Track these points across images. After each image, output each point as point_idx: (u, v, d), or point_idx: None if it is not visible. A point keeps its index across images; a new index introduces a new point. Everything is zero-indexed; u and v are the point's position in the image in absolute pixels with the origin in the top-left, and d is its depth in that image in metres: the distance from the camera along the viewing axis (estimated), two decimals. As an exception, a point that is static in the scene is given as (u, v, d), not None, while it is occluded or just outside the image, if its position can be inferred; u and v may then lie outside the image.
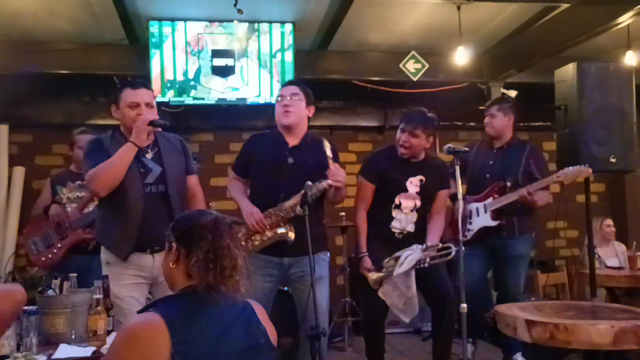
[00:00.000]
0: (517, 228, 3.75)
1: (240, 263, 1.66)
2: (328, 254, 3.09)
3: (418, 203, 3.34)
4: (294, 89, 3.01)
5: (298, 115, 2.97)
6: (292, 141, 3.00)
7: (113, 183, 2.64)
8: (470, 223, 3.78)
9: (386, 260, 3.23)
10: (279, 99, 3.02)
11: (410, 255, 3.15)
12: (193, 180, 2.93)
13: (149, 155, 2.76)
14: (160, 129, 2.76)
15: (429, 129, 3.32)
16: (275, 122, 3.05)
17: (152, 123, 2.67)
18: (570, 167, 3.45)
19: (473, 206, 3.79)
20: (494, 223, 3.71)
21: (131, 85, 2.75)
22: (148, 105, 2.73)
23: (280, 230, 2.90)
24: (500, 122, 3.85)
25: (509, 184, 3.72)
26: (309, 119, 3.07)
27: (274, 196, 2.92)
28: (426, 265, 3.16)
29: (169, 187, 2.75)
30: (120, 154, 2.63)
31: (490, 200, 3.73)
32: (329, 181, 2.83)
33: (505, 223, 3.72)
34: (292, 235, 2.89)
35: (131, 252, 2.67)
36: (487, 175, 3.82)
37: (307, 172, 2.88)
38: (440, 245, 3.23)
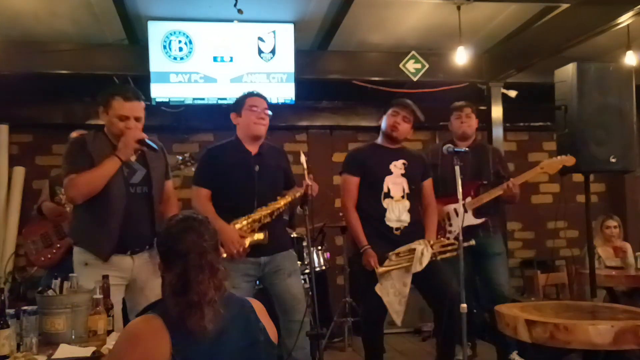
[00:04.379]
0: (492, 227, 3.84)
1: (211, 296, 1.58)
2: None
3: (406, 187, 3.36)
4: (266, 104, 3.16)
5: (266, 128, 3.15)
6: (253, 149, 3.13)
7: (91, 193, 2.66)
8: (450, 225, 3.77)
9: (390, 254, 3.23)
10: (254, 108, 3.11)
11: (425, 249, 3.19)
12: (169, 184, 3.00)
13: (133, 157, 2.77)
14: (145, 149, 2.74)
15: (415, 116, 3.46)
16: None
17: (140, 142, 2.68)
18: (553, 158, 3.60)
19: (451, 207, 3.78)
20: (478, 221, 3.74)
21: (124, 96, 2.69)
22: (137, 119, 2.73)
23: (257, 236, 2.99)
24: (475, 123, 3.98)
25: (484, 182, 3.81)
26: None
27: (247, 203, 3.02)
28: (438, 259, 3.24)
29: (153, 188, 2.80)
30: (103, 167, 2.64)
31: (468, 199, 3.74)
32: (304, 191, 2.90)
33: (483, 222, 3.77)
34: (263, 237, 3.00)
35: (113, 253, 2.67)
36: (461, 176, 3.82)
37: (271, 177, 3.07)
38: (446, 241, 3.31)
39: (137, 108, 2.74)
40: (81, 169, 2.65)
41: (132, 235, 2.72)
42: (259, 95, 3.19)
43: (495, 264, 3.86)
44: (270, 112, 3.14)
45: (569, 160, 3.54)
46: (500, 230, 4.04)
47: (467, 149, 3.45)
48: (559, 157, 3.58)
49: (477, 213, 3.76)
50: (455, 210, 3.76)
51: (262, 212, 2.99)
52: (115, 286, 2.63)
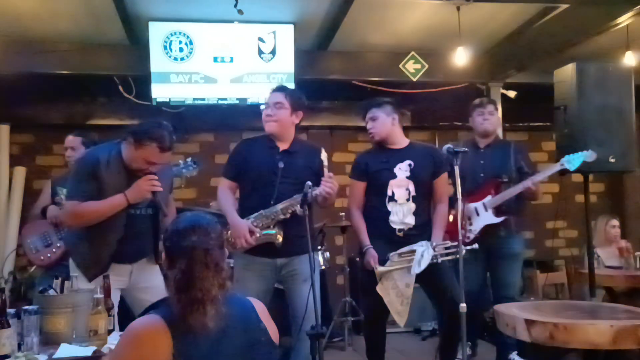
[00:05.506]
0: (514, 226, 3.81)
1: (214, 294, 1.58)
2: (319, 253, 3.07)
3: (412, 189, 3.31)
4: (279, 97, 3.08)
5: (281, 123, 3.06)
6: (283, 145, 3.09)
7: (87, 225, 2.70)
8: (471, 224, 3.75)
9: (391, 254, 3.21)
10: (266, 105, 3.11)
11: (426, 251, 3.16)
12: (170, 196, 3.04)
13: None
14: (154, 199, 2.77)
15: (383, 108, 3.39)
16: None
17: (154, 194, 2.72)
18: (574, 154, 3.46)
19: (471, 206, 3.76)
20: (498, 219, 3.71)
21: (161, 147, 2.70)
22: (162, 164, 2.78)
23: (268, 233, 2.96)
24: (497, 120, 4.04)
25: (505, 180, 3.76)
26: (297, 124, 3.13)
27: (264, 200, 2.99)
28: (439, 261, 3.20)
29: (159, 212, 2.83)
30: (109, 205, 2.66)
31: (489, 197, 3.73)
32: (320, 189, 2.85)
33: (504, 221, 3.73)
34: (280, 238, 2.96)
35: (97, 276, 2.66)
36: (481, 175, 3.83)
37: (296, 176, 2.97)
38: (449, 243, 3.26)
39: (168, 157, 2.78)
40: (87, 197, 2.66)
41: (131, 250, 2.78)
42: (276, 89, 3.16)
43: (513, 266, 3.82)
44: (280, 104, 3.05)
45: (590, 155, 3.45)
46: (524, 230, 3.99)
47: (466, 149, 3.42)
48: (579, 152, 3.47)
49: (497, 211, 3.72)
50: (476, 210, 3.75)
51: (274, 210, 2.95)
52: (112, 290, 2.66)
